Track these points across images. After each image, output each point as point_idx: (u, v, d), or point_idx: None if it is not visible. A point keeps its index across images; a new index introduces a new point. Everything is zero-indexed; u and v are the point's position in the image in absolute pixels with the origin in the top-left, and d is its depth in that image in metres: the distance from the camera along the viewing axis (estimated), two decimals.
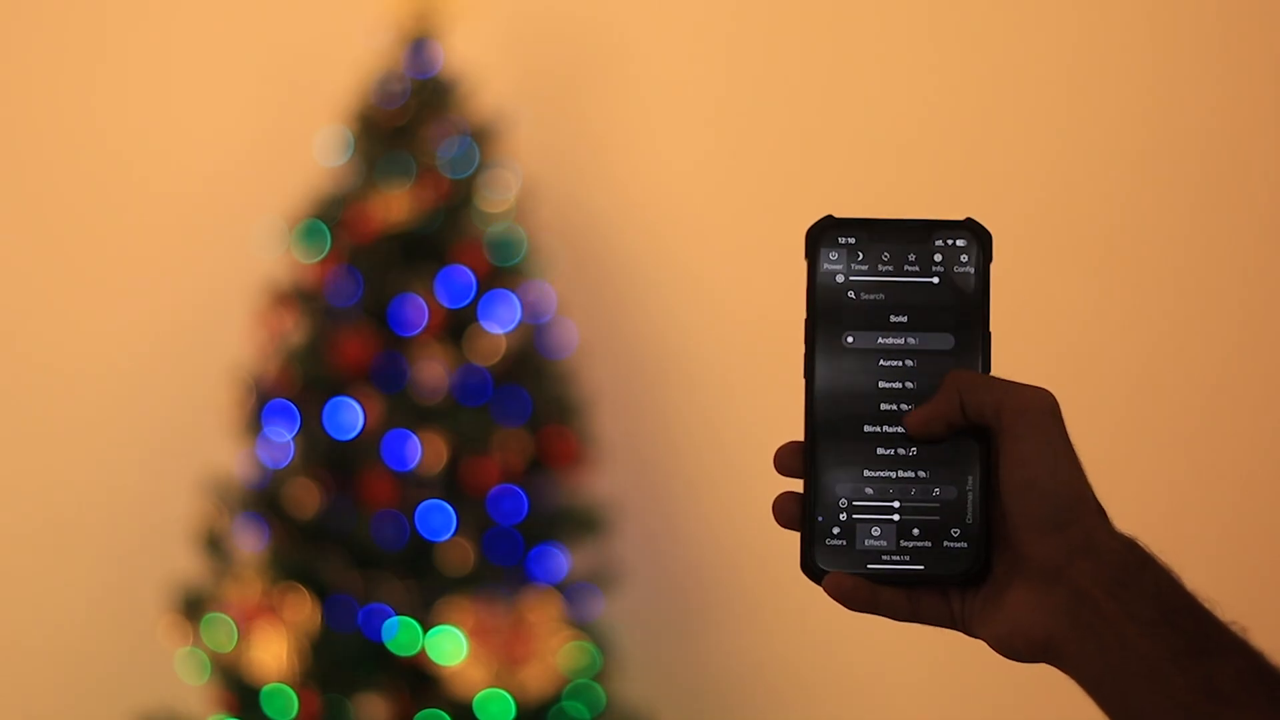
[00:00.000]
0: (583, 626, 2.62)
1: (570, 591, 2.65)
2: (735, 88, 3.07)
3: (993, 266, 0.86)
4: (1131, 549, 0.80)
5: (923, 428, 0.85)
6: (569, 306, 2.86)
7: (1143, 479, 2.89)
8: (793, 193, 2.99)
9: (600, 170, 3.07)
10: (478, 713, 2.53)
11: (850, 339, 0.86)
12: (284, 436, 2.63)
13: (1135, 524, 0.84)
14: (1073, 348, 2.96)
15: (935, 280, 0.86)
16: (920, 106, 3.02)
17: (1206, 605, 0.78)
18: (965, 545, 0.84)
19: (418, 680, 2.56)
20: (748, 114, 3.06)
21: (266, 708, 2.55)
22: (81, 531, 3.08)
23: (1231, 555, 2.87)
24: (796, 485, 0.86)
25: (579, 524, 2.71)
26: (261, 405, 2.65)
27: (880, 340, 0.86)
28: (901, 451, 0.85)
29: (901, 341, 0.86)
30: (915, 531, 0.85)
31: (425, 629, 2.55)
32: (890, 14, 3.03)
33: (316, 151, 2.80)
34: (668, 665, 3.03)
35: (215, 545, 2.66)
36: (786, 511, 0.86)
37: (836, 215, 0.87)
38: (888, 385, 0.86)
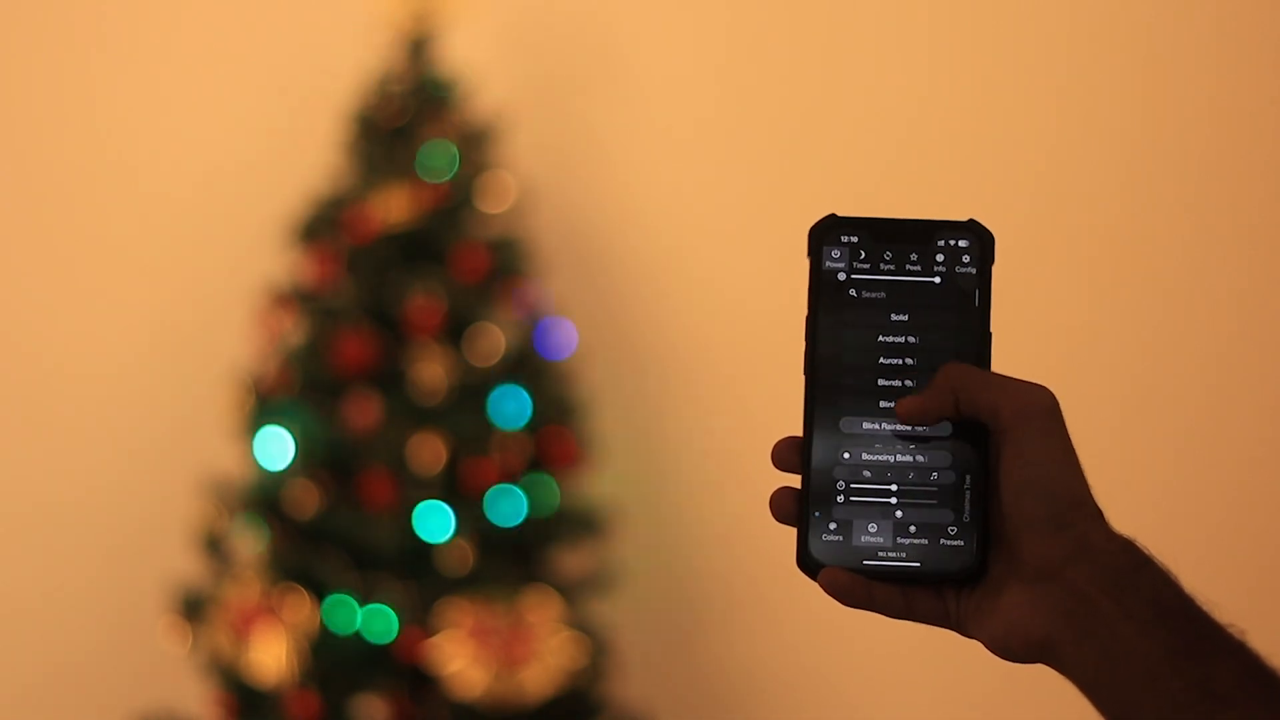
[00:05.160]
0: (583, 627, 2.62)
1: (570, 591, 2.65)
2: (735, 87, 3.07)
3: (994, 268, 0.87)
4: (1129, 550, 0.80)
5: (913, 416, 0.85)
6: (569, 306, 2.86)
7: (1141, 479, 2.89)
8: (793, 193, 2.99)
9: (600, 170, 3.07)
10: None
11: (851, 337, 0.86)
12: (284, 436, 2.63)
13: (1132, 524, 0.84)
14: (1073, 349, 2.96)
15: (937, 280, 0.86)
16: (922, 108, 3.02)
17: (1204, 607, 0.78)
18: (962, 543, 0.84)
19: (418, 681, 2.56)
20: (747, 114, 3.06)
21: (266, 708, 2.55)
22: (81, 532, 3.08)
23: (1229, 557, 2.87)
24: (794, 480, 0.86)
25: (579, 524, 2.71)
26: (261, 405, 2.65)
27: (881, 339, 0.86)
28: (900, 449, 0.85)
29: (902, 340, 0.86)
30: (912, 529, 0.84)
31: (425, 630, 2.55)
32: (891, 13, 3.03)
33: (316, 152, 2.80)
34: (668, 665, 3.03)
35: (215, 545, 2.66)
36: (783, 507, 0.85)
37: (840, 214, 0.87)
38: (887, 384, 0.86)
